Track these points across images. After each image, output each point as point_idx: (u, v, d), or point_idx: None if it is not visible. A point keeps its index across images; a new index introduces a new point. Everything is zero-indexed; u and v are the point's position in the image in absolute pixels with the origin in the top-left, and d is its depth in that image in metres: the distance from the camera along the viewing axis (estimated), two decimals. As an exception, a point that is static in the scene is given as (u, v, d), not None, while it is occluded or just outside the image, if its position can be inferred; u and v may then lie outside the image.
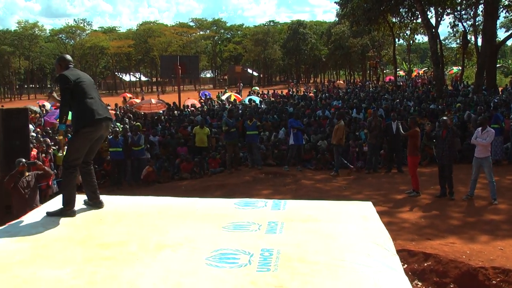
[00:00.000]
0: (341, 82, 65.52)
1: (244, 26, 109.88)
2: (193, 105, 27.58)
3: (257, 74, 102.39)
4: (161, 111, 24.69)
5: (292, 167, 15.68)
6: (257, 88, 54.12)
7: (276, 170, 15.68)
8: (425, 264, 7.45)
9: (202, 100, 33.88)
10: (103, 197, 5.62)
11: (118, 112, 25.86)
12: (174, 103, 27.97)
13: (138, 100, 33.09)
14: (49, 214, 5.24)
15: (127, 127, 17.22)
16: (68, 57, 5.63)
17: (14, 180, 8.16)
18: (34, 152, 12.99)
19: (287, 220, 4.83)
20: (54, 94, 5.92)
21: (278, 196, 11.55)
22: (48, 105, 30.02)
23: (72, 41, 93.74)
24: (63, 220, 5.11)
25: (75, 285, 3.55)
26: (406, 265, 7.14)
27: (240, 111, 21.85)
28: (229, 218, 4.93)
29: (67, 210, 5.26)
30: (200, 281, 3.52)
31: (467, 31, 39.02)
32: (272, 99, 34.13)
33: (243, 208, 5.36)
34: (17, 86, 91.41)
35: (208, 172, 15.77)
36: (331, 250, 4.03)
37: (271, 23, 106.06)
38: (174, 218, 5.07)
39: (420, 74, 64.54)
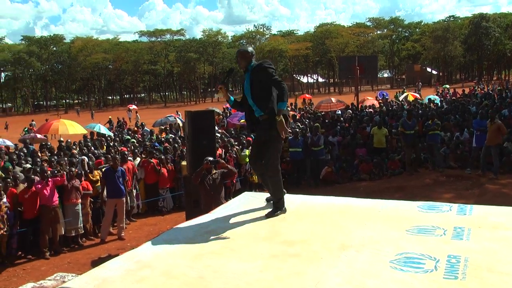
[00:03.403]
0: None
1: (422, 23, 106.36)
2: (371, 106, 27.28)
3: (436, 72, 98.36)
4: (339, 111, 24.73)
5: (475, 170, 14.85)
6: (447, 86, 51.91)
7: (458, 173, 14.93)
8: None
9: (380, 100, 33.40)
10: (285, 196, 5.76)
11: (296, 113, 26.43)
12: (352, 103, 27.91)
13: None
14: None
15: (306, 127, 17.50)
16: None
17: (200, 176, 8.65)
18: (219, 151, 13.76)
19: (474, 226, 4.60)
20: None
21: (460, 200, 11.02)
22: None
23: (252, 45, 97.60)
24: (248, 216, 5.36)
25: (262, 279, 3.70)
26: None
27: (420, 111, 21.19)
28: (413, 221, 4.82)
29: (280, 211, 5.42)
30: (385, 284, 3.48)
31: None
32: (453, 98, 32.61)
33: (427, 211, 5.20)
34: (201, 90, 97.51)
35: (387, 173, 15.54)
36: (525, 262, 3.74)
37: (451, 19, 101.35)
38: (356, 218, 5.06)
39: None
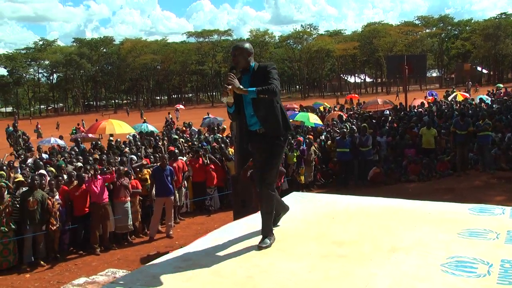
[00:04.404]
0: None
1: (472, 21, 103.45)
2: (420, 105, 26.85)
3: (487, 71, 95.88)
4: (387, 111, 24.44)
5: (529, 172, 14.44)
6: (501, 85, 50.70)
7: (510, 175, 14.54)
8: None
9: (429, 100, 32.82)
10: (333, 196, 5.66)
11: (343, 113, 26.23)
12: (400, 103, 27.55)
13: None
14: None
15: (354, 128, 17.34)
16: None
17: (246, 173, 8.71)
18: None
19: (529, 230, 4.46)
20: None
21: (512, 203, 10.74)
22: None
23: (300, 45, 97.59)
24: (297, 216, 5.34)
25: (311, 279, 3.70)
26: None
27: (470, 111, 20.73)
28: (464, 224, 4.73)
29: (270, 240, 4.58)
30: None
31: None
32: (505, 98, 31.80)
33: (478, 214, 5.10)
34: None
35: (436, 174, 15.26)
36: None
37: (503, 16, 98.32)
38: (405, 220, 5.00)
39: None
